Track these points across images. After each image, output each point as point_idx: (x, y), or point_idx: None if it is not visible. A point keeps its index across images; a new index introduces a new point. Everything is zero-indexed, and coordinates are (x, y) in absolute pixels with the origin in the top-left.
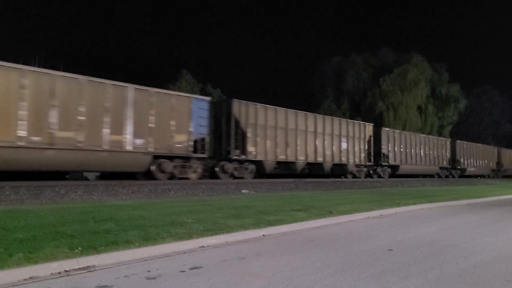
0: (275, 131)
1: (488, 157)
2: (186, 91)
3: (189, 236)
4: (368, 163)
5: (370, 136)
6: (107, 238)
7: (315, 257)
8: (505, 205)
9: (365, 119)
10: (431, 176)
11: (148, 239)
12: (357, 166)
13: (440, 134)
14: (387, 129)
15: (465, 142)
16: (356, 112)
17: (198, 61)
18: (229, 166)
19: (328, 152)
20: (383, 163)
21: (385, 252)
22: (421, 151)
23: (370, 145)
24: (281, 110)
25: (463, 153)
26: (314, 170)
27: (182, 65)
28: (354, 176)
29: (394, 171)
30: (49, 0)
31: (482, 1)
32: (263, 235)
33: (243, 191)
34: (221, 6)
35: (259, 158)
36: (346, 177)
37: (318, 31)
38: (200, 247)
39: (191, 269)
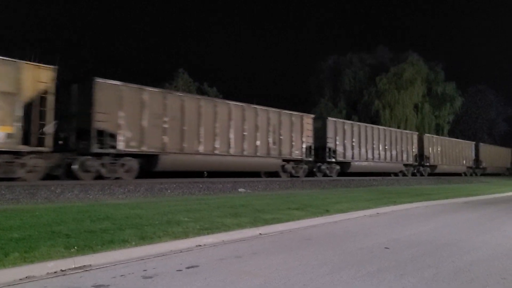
0: None
1: (402, 148)
2: (183, 90)
3: (186, 235)
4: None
5: (46, 92)
6: (103, 237)
7: (311, 255)
8: (500, 203)
9: (362, 118)
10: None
11: (144, 238)
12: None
13: (437, 132)
14: (104, 81)
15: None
16: (353, 110)
17: (195, 60)
18: None
19: None
20: (98, 148)
21: (381, 250)
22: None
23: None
24: None
25: (342, 139)
26: None
27: (179, 64)
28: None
29: (150, 167)
30: None
31: (478, 1)
32: (260, 233)
33: (240, 189)
34: (218, 5)
35: None
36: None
37: (315, 30)
38: (196, 246)
39: (187, 268)
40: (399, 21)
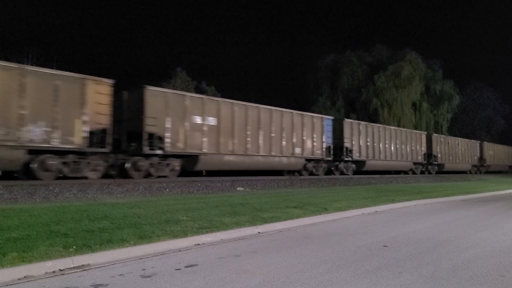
0: None
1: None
2: (181, 89)
3: (184, 234)
4: None
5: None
6: (102, 236)
7: (310, 253)
8: (498, 200)
9: (360, 116)
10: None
11: (143, 237)
12: None
13: (436, 131)
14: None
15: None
16: (351, 109)
17: (192, 58)
18: None
19: None
20: None
21: (380, 248)
22: None
23: None
24: None
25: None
26: None
27: (178, 63)
28: None
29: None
30: None
31: None
32: (259, 232)
33: (238, 188)
34: (217, 4)
35: None
36: None
37: (313, 29)
38: (195, 245)
39: (186, 267)
40: (397, 19)
